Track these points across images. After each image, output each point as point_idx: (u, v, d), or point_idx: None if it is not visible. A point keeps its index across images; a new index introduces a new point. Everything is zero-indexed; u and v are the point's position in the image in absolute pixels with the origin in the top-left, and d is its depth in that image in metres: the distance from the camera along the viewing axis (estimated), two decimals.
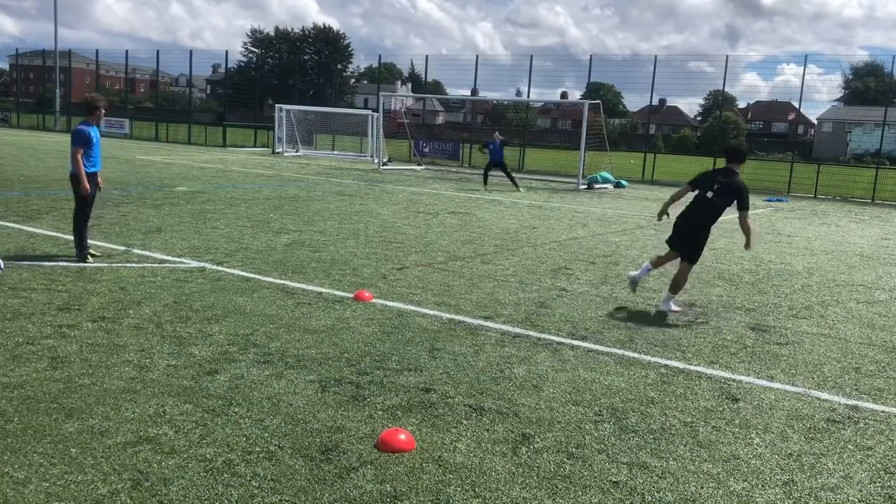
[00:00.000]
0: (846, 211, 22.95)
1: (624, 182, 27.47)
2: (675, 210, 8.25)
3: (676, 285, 8.07)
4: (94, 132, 8.87)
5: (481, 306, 7.68)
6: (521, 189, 22.75)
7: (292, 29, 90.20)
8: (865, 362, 6.59)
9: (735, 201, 7.88)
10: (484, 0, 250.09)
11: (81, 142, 8.70)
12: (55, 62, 50.86)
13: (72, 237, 9.01)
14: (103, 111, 9.01)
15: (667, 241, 8.38)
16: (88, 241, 8.99)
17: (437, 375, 5.55)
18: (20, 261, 8.53)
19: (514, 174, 23.95)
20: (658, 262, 8.41)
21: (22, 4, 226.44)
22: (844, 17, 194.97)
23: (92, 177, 8.85)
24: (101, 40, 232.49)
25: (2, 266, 7.84)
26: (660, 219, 8.54)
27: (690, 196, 8.24)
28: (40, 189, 15.32)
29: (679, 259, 8.21)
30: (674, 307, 8.03)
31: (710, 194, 7.97)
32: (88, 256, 8.78)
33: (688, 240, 8.12)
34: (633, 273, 8.45)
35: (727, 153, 8.39)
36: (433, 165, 33.49)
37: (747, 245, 8.04)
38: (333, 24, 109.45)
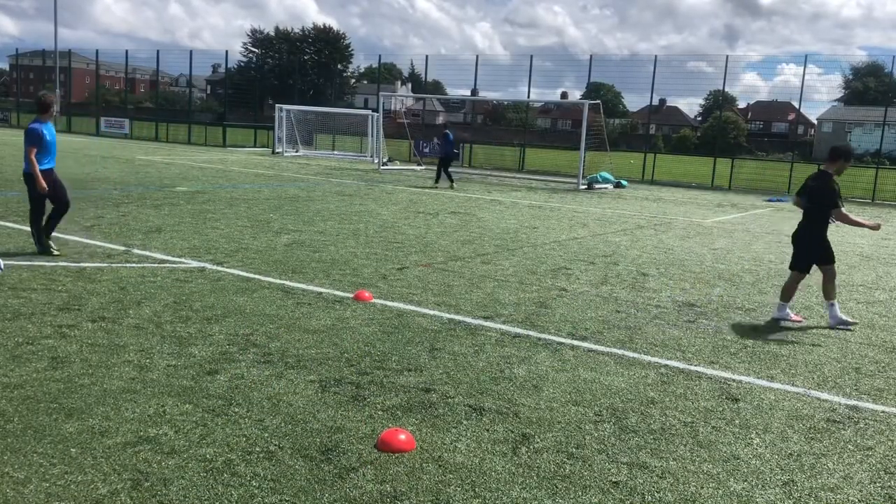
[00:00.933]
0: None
1: (624, 182, 27.46)
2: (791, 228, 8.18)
3: (829, 292, 7.84)
4: (47, 129, 8.99)
5: (481, 306, 7.68)
6: (437, 186, 22.79)
7: (292, 29, 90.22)
8: (865, 362, 6.59)
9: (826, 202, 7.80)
10: (482, 0, 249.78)
11: (35, 140, 8.80)
12: (55, 62, 50.87)
13: (71, 237, 9.03)
14: (55, 109, 9.13)
15: (790, 267, 8.17)
16: (40, 236, 9.05)
17: (437, 375, 5.55)
18: (20, 261, 8.53)
19: (510, 176, 24.05)
20: (788, 294, 8.00)
21: (20, 4, 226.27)
22: (843, 17, 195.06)
23: (47, 173, 8.93)
24: (100, 40, 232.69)
25: (2, 266, 7.84)
26: None
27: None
28: None
29: (803, 279, 8.08)
30: (841, 316, 7.82)
31: (804, 200, 8.04)
32: (52, 250, 8.90)
33: (812, 251, 7.97)
34: (775, 315, 7.99)
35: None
36: (433, 165, 33.47)
37: (876, 227, 8.32)
38: (332, 23, 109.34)
